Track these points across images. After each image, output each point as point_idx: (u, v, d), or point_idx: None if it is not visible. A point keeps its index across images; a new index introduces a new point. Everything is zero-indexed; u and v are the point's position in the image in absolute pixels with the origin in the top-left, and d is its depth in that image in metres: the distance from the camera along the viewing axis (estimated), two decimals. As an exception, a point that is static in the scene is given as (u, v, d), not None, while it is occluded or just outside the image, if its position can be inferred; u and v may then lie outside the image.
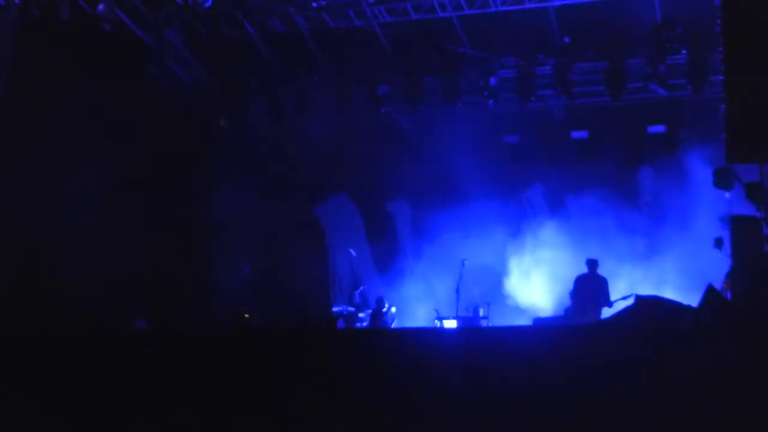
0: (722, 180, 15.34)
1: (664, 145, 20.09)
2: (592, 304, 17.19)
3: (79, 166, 17.24)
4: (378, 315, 18.62)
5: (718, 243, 15.49)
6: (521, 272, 20.30)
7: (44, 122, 16.77)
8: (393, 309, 18.58)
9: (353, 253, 20.63)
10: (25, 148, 16.44)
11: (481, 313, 18.87)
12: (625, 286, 18.17)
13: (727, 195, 15.74)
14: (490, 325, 18.20)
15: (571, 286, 18.01)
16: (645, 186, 19.94)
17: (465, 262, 18.70)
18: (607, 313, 16.79)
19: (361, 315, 19.35)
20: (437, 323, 18.42)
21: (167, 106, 20.67)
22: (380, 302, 18.29)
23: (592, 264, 17.69)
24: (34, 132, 16.62)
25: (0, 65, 16.69)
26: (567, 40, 19.71)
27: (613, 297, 17.40)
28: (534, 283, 19.97)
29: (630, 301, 16.77)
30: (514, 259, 20.46)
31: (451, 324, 18.06)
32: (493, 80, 20.25)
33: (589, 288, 17.55)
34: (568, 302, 18.08)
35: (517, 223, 20.63)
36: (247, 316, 15.63)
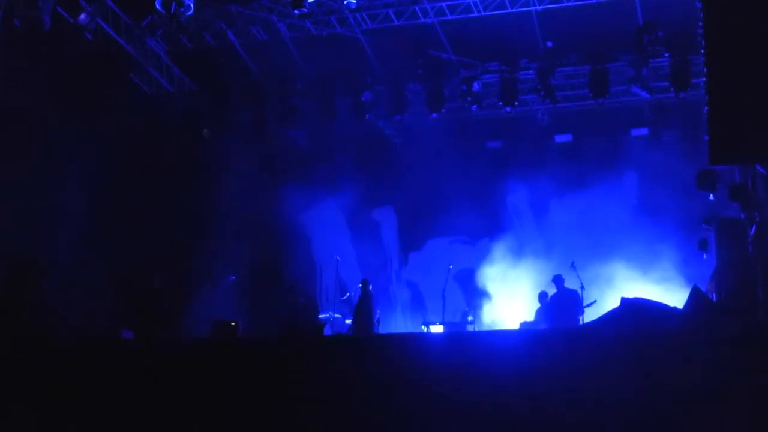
0: (706, 182, 15.42)
1: (647, 147, 20.17)
2: (564, 319, 16.83)
3: (61, 174, 17.18)
4: (365, 296, 18.09)
5: (703, 244, 15.55)
6: (507, 276, 20.27)
7: (26, 132, 16.70)
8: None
9: (339, 259, 20.55)
10: (5, 157, 16.36)
11: (467, 318, 18.77)
12: (609, 288, 18.16)
13: (711, 197, 15.82)
14: (476, 329, 18.15)
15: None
16: (629, 188, 19.94)
17: (451, 267, 18.65)
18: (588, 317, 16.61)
19: (347, 322, 19.24)
20: (424, 329, 18.36)
21: (151, 116, 20.60)
22: (365, 283, 17.98)
23: (558, 280, 17.30)
24: (15, 141, 16.56)
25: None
26: (550, 44, 19.77)
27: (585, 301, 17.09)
28: (520, 287, 19.94)
29: (594, 308, 16.79)
30: (500, 264, 20.45)
31: (437, 329, 18.01)
32: (476, 85, 20.28)
33: (560, 306, 17.14)
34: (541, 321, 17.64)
35: (502, 228, 20.62)
36: (233, 324, 15.53)
